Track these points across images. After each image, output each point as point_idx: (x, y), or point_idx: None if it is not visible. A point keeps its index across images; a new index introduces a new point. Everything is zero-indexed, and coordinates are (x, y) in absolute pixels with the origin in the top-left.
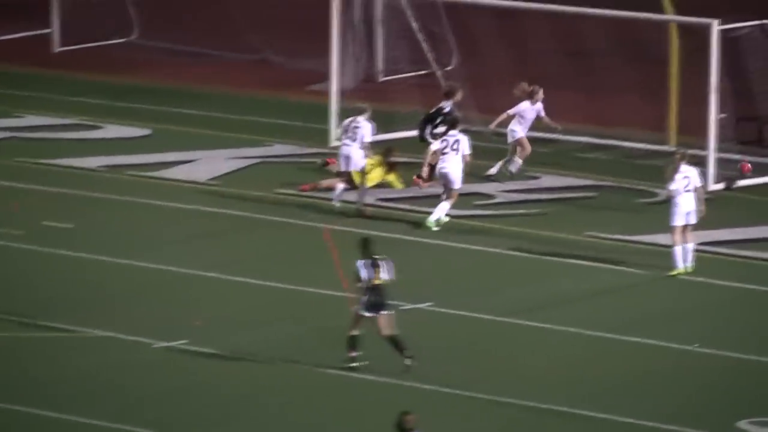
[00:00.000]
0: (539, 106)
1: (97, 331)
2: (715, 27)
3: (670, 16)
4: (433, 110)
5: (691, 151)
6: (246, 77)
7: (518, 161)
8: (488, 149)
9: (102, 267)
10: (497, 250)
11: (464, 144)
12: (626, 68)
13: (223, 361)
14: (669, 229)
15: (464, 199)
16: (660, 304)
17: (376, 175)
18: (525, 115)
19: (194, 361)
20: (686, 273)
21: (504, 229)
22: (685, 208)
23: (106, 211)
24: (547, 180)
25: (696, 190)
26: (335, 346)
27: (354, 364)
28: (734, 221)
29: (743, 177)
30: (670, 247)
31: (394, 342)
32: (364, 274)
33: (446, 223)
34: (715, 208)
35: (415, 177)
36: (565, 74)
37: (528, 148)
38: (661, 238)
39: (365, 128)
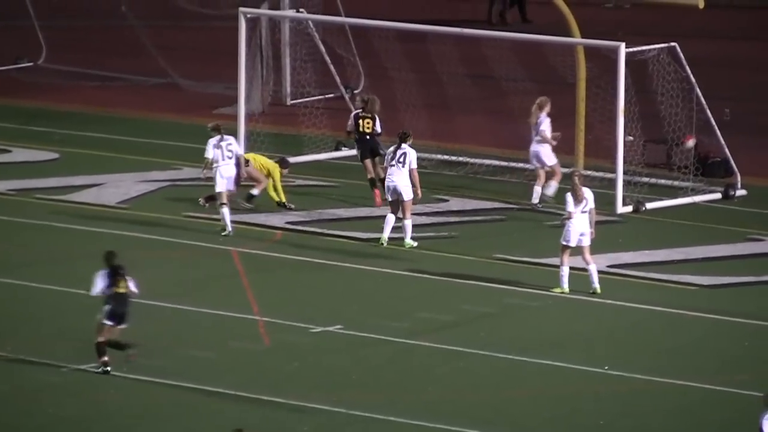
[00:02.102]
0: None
1: (6, 354)
2: (623, 49)
3: (578, 39)
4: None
5: (597, 174)
6: (154, 101)
7: (554, 184)
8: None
9: (10, 289)
10: (406, 273)
11: (411, 157)
12: (534, 91)
13: (133, 384)
14: (562, 249)
15: (373, 221)
16: (569, 327)
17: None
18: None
19: (104, 384)
20: (594, 294)
21: (413, 252)
22: (579, 229)
23: (15, 235)
24: (456, 203)
25: (590, 212)
26: (246, 368)
27: (107, 368)
28: (642, 244)
29: (686, 147)
30: (581, 268)
31: (116, 346)
32: (99, 284)
33: (355, 246)
34: (624, 231)
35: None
36: (473, 98)
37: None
38: (569, 261)
39: (235, 144)
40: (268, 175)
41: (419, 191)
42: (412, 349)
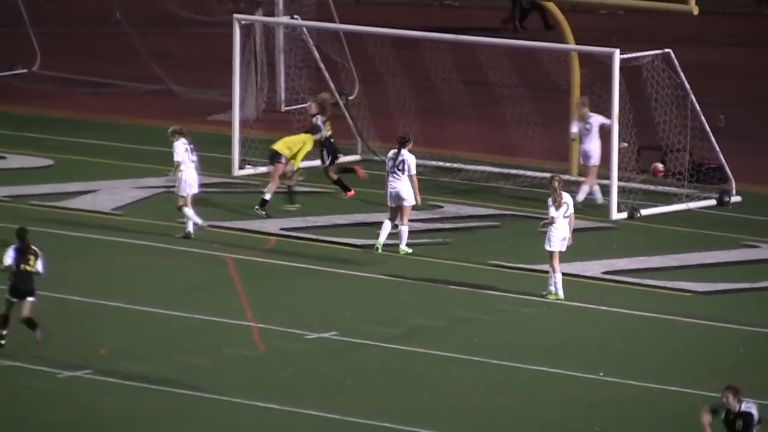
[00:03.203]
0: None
1: (2, 361)
2: (617, 56)
3: (572, 46)
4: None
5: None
6: (148, 107)
7: (586, 188)
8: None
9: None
10: (400, 279)
11: (410, 163)
12: (528, 98)
13: (128, 390)
14: (549, 255)
15: (367, 228)
16: (563, 333)
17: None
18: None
19: (99, 390)
20: (548, 295)
21: (408, 258)
22: (562, 234)
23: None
24: (450, 209)
25: (570, 217)
26: (240, 375)
27: (1, 342)
28: (637, 250)
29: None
30: (571, 275)
31: (29, 324)
32: (9, 259)
33: (349, 252)
34: (618, 237)
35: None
36: (467, 104)
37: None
38: (564, 267)
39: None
40: (300, 149)
41: (419, 198)
42: (406, 355)
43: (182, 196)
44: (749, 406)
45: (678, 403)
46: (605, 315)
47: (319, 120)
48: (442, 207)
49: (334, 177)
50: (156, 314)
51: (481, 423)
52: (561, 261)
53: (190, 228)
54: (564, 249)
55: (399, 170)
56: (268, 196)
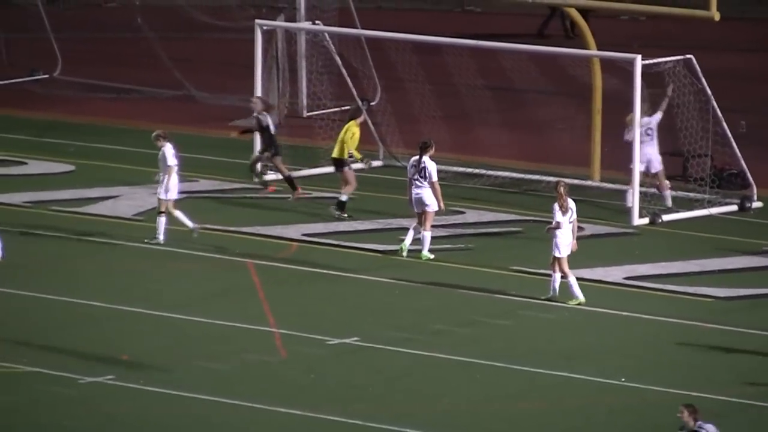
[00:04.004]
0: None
1: (23, 367)
2: (639, 62)
3: (594, 52)
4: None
5: (614, 186)
6: (169, 113)
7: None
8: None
9: (28, 301)
10: (422, 285)
11: (431, 171)
12: (551, 103)
13: (148, 396)
14: (558, 261)
15: (390, 233)
16: (585, 339)
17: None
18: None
19: (119, 396)
20: (549, 300)
21: (429, 264)
22: (568, 239)
23: (32, 247)
24: (472, 215)
25: (574, 222)
26: (261, 380)
27: None
28: (658, 256)
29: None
30: (592, 281)
31: None
32: None
33: (371, 258)
34: (640, 243)
35: None
36: (489, 109)
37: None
38: (585, 273)
39: None
40: (350, 138)
41: (442, 204)
42: (427, 361)
43: (164, 201)
44: (706, 427)
45: (699, 408)
46: (626, 320)
47: (267, 116)
48: (464, 212)
49: (257, 168)
50: (176, 320)
51: (502, 429)
52: (581, 267)
53: (189, 224)
54: (567, 254)
55: (421, 177)
56: (344, 198)
